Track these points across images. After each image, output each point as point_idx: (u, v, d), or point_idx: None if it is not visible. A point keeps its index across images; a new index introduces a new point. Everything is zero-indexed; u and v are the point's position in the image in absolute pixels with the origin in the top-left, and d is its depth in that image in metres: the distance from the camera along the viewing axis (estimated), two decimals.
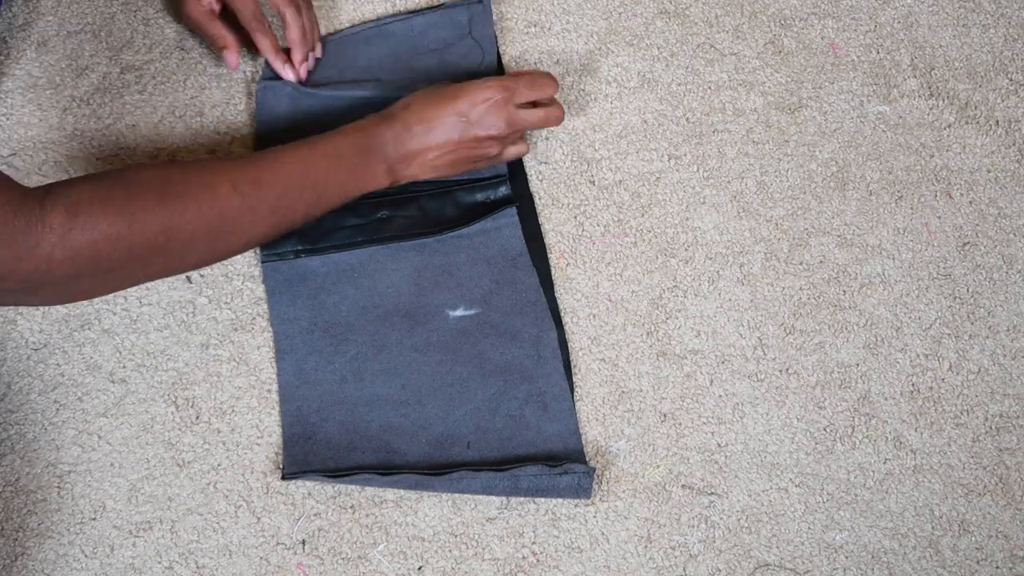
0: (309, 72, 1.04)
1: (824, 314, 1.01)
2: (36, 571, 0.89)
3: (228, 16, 1.03)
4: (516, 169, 1.03)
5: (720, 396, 0.97)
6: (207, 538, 0.91)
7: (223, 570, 0.90)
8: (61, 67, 1.03)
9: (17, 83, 1.02)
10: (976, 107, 1.09)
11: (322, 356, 0.96)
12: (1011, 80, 1.10)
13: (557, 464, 0.92)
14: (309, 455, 0.93)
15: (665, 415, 0.97)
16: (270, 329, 0.96)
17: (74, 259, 0.77)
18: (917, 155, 1.07)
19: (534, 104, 0.98)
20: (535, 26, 1.09)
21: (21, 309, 0.95)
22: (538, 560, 0.92)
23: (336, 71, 1.05)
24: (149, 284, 0.96)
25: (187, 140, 1.02)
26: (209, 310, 0.97)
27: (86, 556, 0.89)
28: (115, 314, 0.95)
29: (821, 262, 1.02)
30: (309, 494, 0.92)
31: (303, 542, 0.91)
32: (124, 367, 0.95)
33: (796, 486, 0.95)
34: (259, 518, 0.91)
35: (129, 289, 0.93)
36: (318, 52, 1.05)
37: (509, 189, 1.02)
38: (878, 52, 1.11)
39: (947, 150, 1.07)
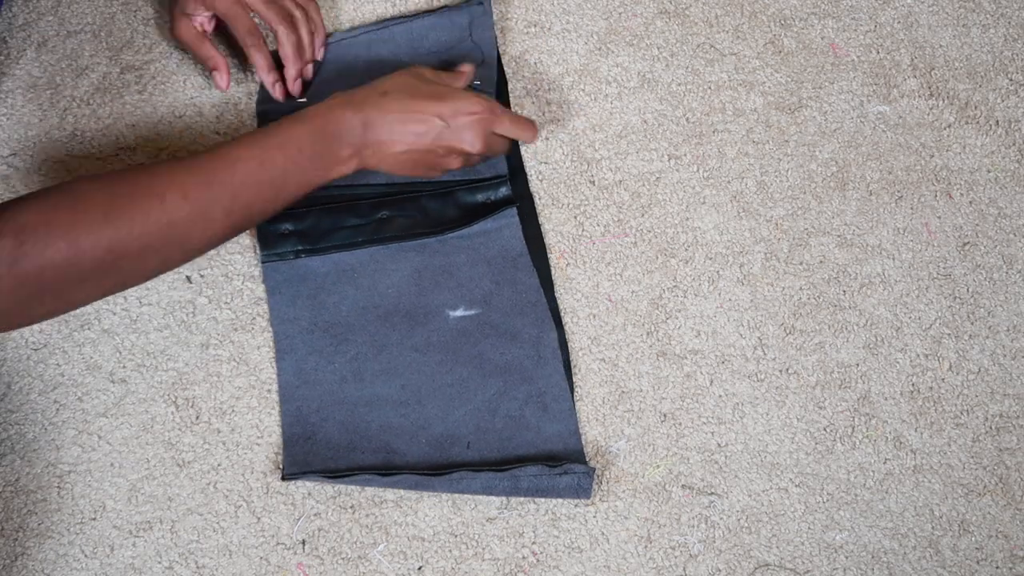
0: (308, 82, 1.04)
1: (824, 314, 1.01)
2: (36, 571, 0.89)
3: (224, 32, 1.03)
4: (516, 169, 1.03)
5: (720, 396, 0.97)
6: (207, 538, 0.91)
7: (223, 570, 0.90)
8: (61, 67, 1.03)
9: (17, 83, 1.02)
10: (976, 107, 1.09)
11: (322, 356, 0.96)
12: (1011, 80, 1.10)
13: (557, 464, 0.92)
14: (309, 455, 0.93)
15: (665, 415, 0.97)
16: (270, 329, 0.96)
17: (22, 287, 0.76)
18: (917, 155, 1.07)
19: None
20: (535, 26, 1.09)
21: None
22: (538, 560, 0.92)
23: (336, 74, 1.05)
24: (149, 284, 0.96)
25: (187, 140, 1.02)
26: (209, 310, 0.97)
27: (86, 556, 0.89)
28: (115, 314, 0.95)
29: (821, 262, 1.02)
30: (309, 494, 0.92)
31: (303, 542, 0.91)
32: (124, 367, 0.94)
33: (796, 486, 0.95)
34: (259, 518, 0.91)
35: (129, 289, 0.93)
36: (319, 55, 1.05)
37: (510, 190, 1.02)
38: (878, 52, 1.11)
39: (947, 150, 1.07)
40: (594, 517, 0.93)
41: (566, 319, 0.99)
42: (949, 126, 1.08)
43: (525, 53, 1.08)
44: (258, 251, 0.98)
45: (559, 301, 0.99)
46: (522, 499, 0.93)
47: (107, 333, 0.95)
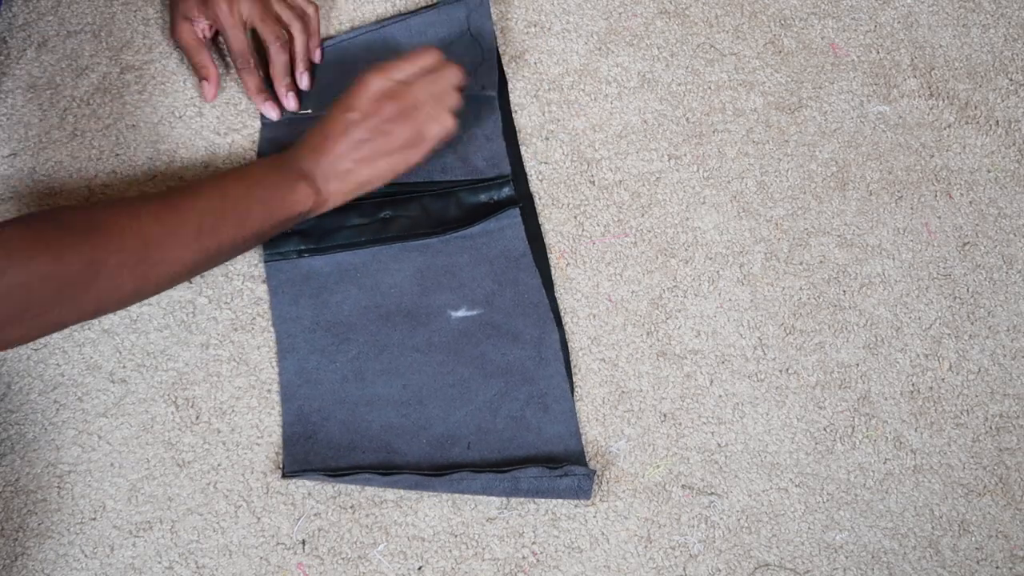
0: (306, 91, 1.04)
1: (824, 314, 1.01)
2: (36, 571, 0.89)
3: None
4: (516, 169, 1.03)
5: (720, 396, 0.97)
6: (207, 538, 0.90)
7: (223, 570, 0.90)
8: (61, 67, 1.03)
9: (17, 83, 1.02)
10: (976, 107, 1.09)
11: (324, 355, 0.96)
12: (1011, 80, 1.10)
13: (557, 466, 0.92)
14: (310, 454, 0.93)
15: (665, 415, 0.97)
16: (270, 329, 0.96)
17: (5, 301, 0.77)
18: (917, 155, 1.07)
19: None
20: (535, 26, 1.09)
21: None
22: (538, 560, 0.92)
23: (336, 76, 1.05)
24: None
25: (187, 140, 1.02)
26: (209, 310, 0.97)
27: (86, 556, 0.89)
28: (115, 314, 0.95)
29: (821, 262, 1.02)
30: (309, 494, 0.92)
31: (303, 542, 0.91)
32: (124, 367, 0.94)
33: (796, 486, 0.95)
34: (259, 518, 0.91)
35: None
36: (316, 58, 1.05)
37: (512, 190, 1.02)
38: (878, 52, 1.11)
39: (947, 150, 1.07)
40: (594, 517, 0.93)
41: (566, 319, 0.99)
42: (949, 126, 1.08)
43: (525, 53, 1.08)
44: (260, 251, 0.98)
45: (559, 301, 0.99)
46: (522, 499, 0.93)
47: (107, 333, 0.95)
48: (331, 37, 1.07)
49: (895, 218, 1.04)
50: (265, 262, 0.98)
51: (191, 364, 0.95)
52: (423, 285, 0.98)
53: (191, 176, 1.01)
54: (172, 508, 0.91)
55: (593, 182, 1.04)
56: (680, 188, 1.04)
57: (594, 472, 0.93)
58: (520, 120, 1.06)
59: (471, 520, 0.92)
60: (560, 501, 0.93)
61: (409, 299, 0.98)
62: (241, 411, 0.94)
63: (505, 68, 1.07)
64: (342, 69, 1.06)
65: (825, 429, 0.97)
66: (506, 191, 1.02)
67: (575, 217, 1.02)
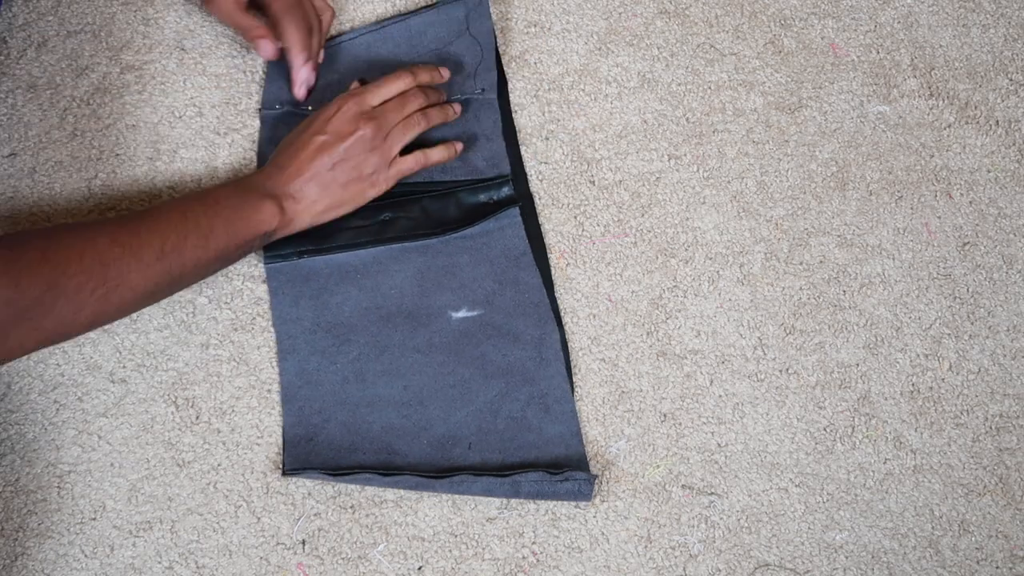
0: (310, 89, 1.04)
1: (824, 314, 1.01)
2: (36, 571, 0.89)
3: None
4: (516, 169, 1.03)
5: (720, 396, 0.97)
6: (207, 538, 0.90)
7: (223, 570, 0.90)
8: (61, 67, 1.03)
9: (17, 83, 1.02)
10: (976, 107, 1.09)
11: (324, 357, 0.96)
12: (1011, 80, 1.10)
13: (559, 472, 0.92)
14: (311, 455, 0.93)
15: (665, 415, 0.97)
16: (270, 329, 0.96)
17: None
18: (917, 155, 1.07)
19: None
20: (535, 26, 1.09)
21: None
22: (538, 560, 0.92)
23: (337, 76, 1.05)
24: None
25: (187, 140, 1.02)
26: (209, 310, 0.97)
27: (86, 556, 0.89)
28: None
29: (821, 262, 1.02)
30: (309, 494, 0.92)
31: (303, 542, 0.91)
32: (124, 367, 0.94)
33: (796, 486, 0.95)
34: (259, 518, 0.91)
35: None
36: (319, 59, 1.05)
37: (512, 189, 1.02)
38: (878, 52, 1.11)
39: (947, 150, 1.07)
40: (594, 517, 0.93)
41: (566, 319, 0.99)
42: (949, 126, 1.08)
43: (525, 53, 1.08)
44: (261, 251, 0.98)
45: (559, 301, 0.99)
46: (522, 499, 0.93)
47: (107, 333, 0.95)
48: (332, 37, 1.07)
49: (895, 218, 1.04)
50: (265, 263, 0.97)
51: (191, 364, 0.95)
52: (423, 286, 0.98)
53: (191, 176, 1.01)
54: (172, 508, 0.91)
55: (593, 182, 1.04)
56: (680, 188, 1.04)
57: (595, 477, 0.93)
58: (520, 120, 1.06)
59: (471, 520, 0.92)
60: (560, 501, 0.93)
61: (409, 300, 0.98)
62: (241, 411, 0.94)
63: (505, 68, 1.07)
64: (342, 69, 1.06)
65: (825, 429, 0.97)
66: (506, 191, 1.02)
67: (575, 217, 1.02)
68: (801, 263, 1.02)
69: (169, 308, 0.96)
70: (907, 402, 0.98)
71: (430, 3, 1.09)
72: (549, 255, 1.01)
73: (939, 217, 1.05)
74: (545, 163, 1.04)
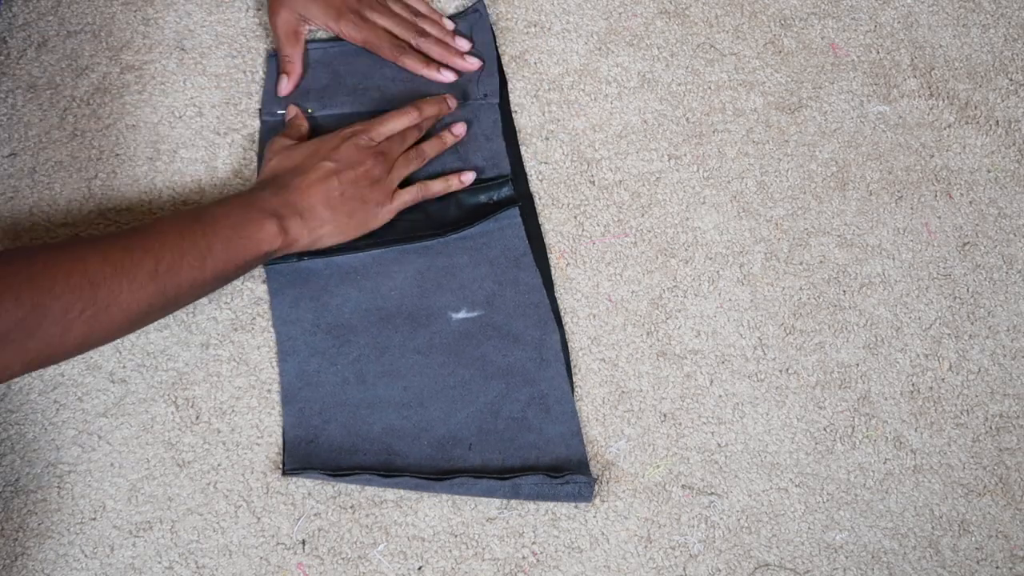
0: (312, 88, 1.05)
1: (824, 314, 1.01)
2: (36, 571, 0.89)
3: None
4: (516, 169, 1.03)
5: (720, 396, 0.97)
6: (207, 538, 0.91)
7: (223, 570, 0.90)
8: (61, 67, 1.03)
9: (17, 83, 1.02)
10: (976, 107, 1.09)
11: (324, 358, 0.95)
12: (1011, 80, 1.10)
13: (559, 475, 0.92)
14: (311, 457, 0.93)
15: (665, 415, 0.97)
16: (270, 329, 0.96)
17: None
18: (917, 155, 1.07)
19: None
20: (535, 26, 1.09)
21: None
22: (538, 560, 0.92)
23: (337, 77, 1.05)
24: None
25: (187, 140, 1.02)
26: (209, 310, 0.97)
27: (86, 556, 0.89)
28: None
29: (821, 262, 1.02)
30: (309, 494, 0.92)
31: (303, 542, 0.91)
32: (124, 367, 0.95)
33: (796, 486, 0.95)
34: (259, 518, 0.91)
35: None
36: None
37: (512, 189, 1.02)
38: (878, 52, 1.11)
39: (947, 150, 1.07)
40: (594, 517, 0.93)
41: (566, 319, 0.99)
42: (949, 126, 1.08)
43: (525, 53, 1.08)
44: None
45: (559, 301, 0.99)
46: (522, 500, 0.93)
47: None
48: (335, 39, 1.07)
49: (895, 218, 1.04)
50: (265, 265, 0.97)
51: (191, 364, 0.95)
52: (423, 287, 0.98)
53: (191, 176, 1.01)
54: (172, 508, 0.91)
55: (593, 182, 1.04)
56: (680, 188, 1.04)
57: (596, 479, 0.93)
58: (520, 120, 1.06)
59: (471, 520, 0.92)
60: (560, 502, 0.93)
61: (409, 301, 0.98)
62: (241, 411, 0.94)
63: (505, 68, 1.07)
64: (345, 70, 1.06)
65: (825, 429, 0.97)
66: (506, 191, 1.02)
67: (575, 217, 1.02)
68: (801, 263, 1.02)
69: None
70: (907, 402, 0.98)
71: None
72: (549, 255, 1.01)
73: (939, 217, 1.05)
74: (545, 163, 1.04)
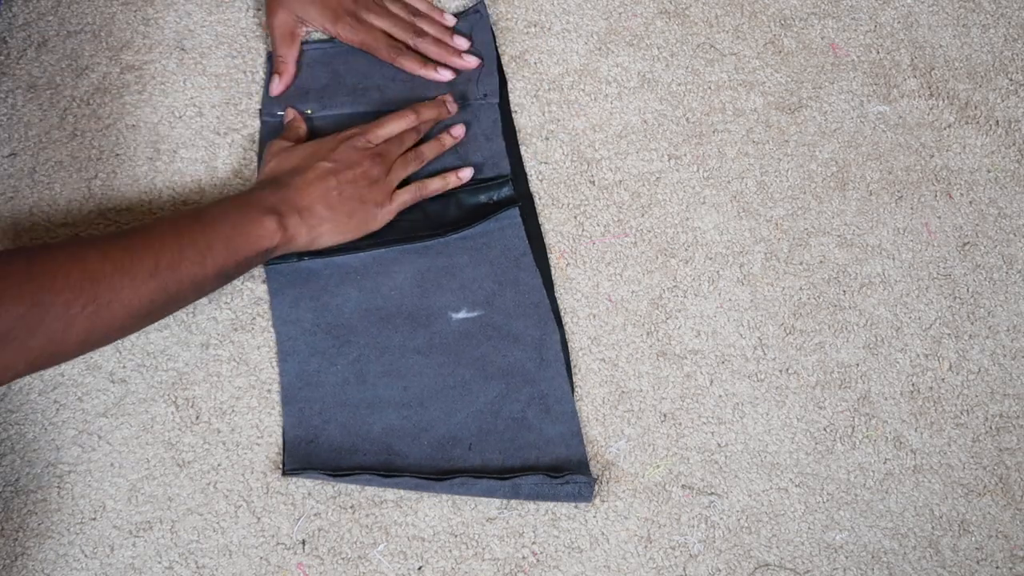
0: (313, 88, 1.05)
1: (824, 314, 1.01)
2: (36, 571, 0.89)
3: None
4: (516, 169, 1.03)
5: (720, 396, 0.97)
6: (207, 538, 0.91)
7: (223, 570, 0.90)
8: (61, 67, 1.03)
9: (17, 83, 1.02)
10: (976, 107, 1.09)
11: (324, 358, 0.95)
12: (1011, 80, 1.10)
13: (559, 476, 0.92)
14: (311, 457, 0.93)
15: (665, 415, 0.97)
16: (270, 329, 0.96)
17: None
18: (917, 155, 1.07)
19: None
20: (535, 26, 1.09)
21: None
22: (538, 560, 0.92)
23: (336, 77, 1.05)
24: None
25: (187, 140, 1.02)
26: (209, 310, 0.97)
27: (86, 556, 0.89)
28: None
29: (821, 262, 1.02)
30: (309, 494, 0.92)
31: (303, 542, 0.91)
32: (124, 367, 0.94)
33: (796, 486, 0.95)
34: (259, 518, 0.91)
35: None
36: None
37: (512, 189, 1.02)
38: (878, 52, 1.11)
39: (947, 150, 1.07)
40: (594, 517, 0.93)
41: (566, 319, 0.99)
42: (949, 126, 1.08)
43: (525, 53, 1.08)
44: None
45: (559, 301, 0.99)
46: (522, 500, 0.93)
47: None
48: (334, 40, 1.07)
49: (895, 218, 1.04)
50: (265, 265, 0.97)
51: (191, 364, 0.95)
52: (423, 287, 0.98)
53: (191, 176, 1.01)
54: (172, 508, 0.91)
55: (593, 182, 1.04)
56: (680, 188, 1.04)
57: (596, 479, 0.93)
58: (520, 120, 1.06)
59: (471, 520, 0.92)
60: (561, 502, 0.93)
61: (409, 301, 0.98)
62: (241, 411, 0.94)
63: (505, 68, 1.07)
64: (345, 69, 1.06)
65: (825, 429, 0.97)
66: (506, 191, 1.02)
67: (575, 217, 1.02)
68: (801, 263, 1.02)
69: None
70: (907, 402, 0.98)
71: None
72: (549, 255, 1.01)
73: (939, 217, 1.05)
74: (545, 163, 1.04)
